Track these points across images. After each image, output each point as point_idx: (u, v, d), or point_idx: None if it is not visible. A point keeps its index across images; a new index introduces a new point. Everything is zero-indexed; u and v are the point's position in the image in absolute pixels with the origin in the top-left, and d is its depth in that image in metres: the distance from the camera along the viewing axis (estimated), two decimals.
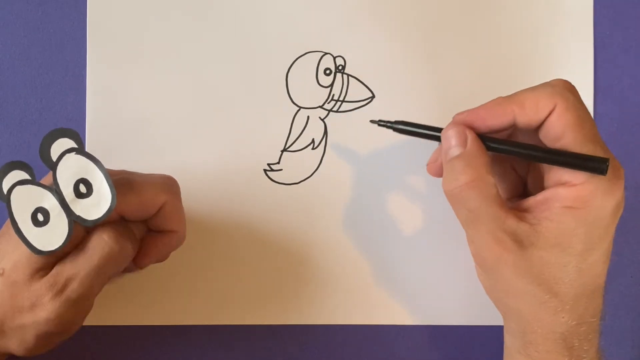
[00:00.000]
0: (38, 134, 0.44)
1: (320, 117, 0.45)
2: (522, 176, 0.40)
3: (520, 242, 0.34)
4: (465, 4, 0.45)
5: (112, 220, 0.36)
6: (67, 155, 0.34)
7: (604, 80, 0.46)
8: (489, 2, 0.45)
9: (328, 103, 0.45)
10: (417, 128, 0.38)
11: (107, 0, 0.44)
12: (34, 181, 0.34)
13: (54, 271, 0.35)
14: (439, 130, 0.37)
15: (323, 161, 0.45)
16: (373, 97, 0.45)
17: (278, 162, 0.45)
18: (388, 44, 0.45)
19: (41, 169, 0.35)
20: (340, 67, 0.45)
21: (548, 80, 0.36)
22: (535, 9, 0.46)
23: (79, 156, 0.34)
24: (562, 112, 0.33)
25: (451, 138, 0.36)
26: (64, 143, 0.34)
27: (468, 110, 0.36)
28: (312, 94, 0.45)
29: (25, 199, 0.34)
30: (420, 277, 0.45)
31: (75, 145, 0.34)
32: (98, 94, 0.44)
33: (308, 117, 0.45)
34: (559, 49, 0.45)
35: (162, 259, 0.39)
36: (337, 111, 0.45)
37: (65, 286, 0.35)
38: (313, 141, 0.45)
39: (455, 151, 0.35)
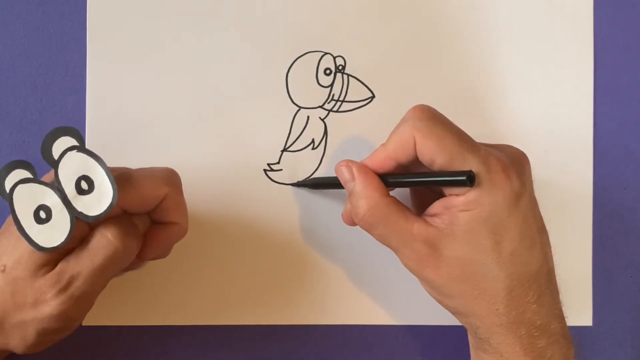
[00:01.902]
0: (38, 133, 0.44)
1: (320, 117, 0.45)
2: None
3: (434, 246, 0.37)
4: (465, 4, 0.45)
5: (115, 215, 0.37)
6: (69, 152, 0.35)
7: (604, 80, 0.46)
8: (489, 2, 0.45)
9: (328, 103, 0.45)
10: (322, 181, 0.44)
11: (107, 0, 0.44)
12: (35, 179, 0.35)
13: (58, 268, 0.35)
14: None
15: (323, 161, 0.45)
16: (373, 97, 0.45)
17: (278, 162, 0.45)
18: (388, 44, 0.45)
19: (42, 168, 0.35)
20: (340, 67, 0.45)
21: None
22: (535, 9, 0.46)
23: (80, 153, 0.35)
24: (422, 142, 0.36)
25: (342, 174, 0.39)
26: (66, 141, 0.35)
27: (357, 164, 0.39)
28: (312, 94, 0.45)
29: (28, 197, 0.34)
30: None
31: (76, 143, 0.35)
32: (98, 94, 0.44)
33: (308, 117, 0.45)
34: (559, 49, 0.45)
35: (164, 252, 0.39)
36: (337, 111, 0.45)
37: (69, 283, 0.35)
38: (313, 141, 0.45)
39: (349, 186, 0.39)
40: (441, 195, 0.38)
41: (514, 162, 0.37)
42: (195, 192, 0.44)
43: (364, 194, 0.38)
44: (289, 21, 0.45)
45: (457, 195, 0.36)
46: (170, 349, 0.44)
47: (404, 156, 0.37)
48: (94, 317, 0.43)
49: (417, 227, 0.37)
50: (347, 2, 0.45)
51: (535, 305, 0.37)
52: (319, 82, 0.45)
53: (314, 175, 0.45)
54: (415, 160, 0.37)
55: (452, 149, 0.36)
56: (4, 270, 0.35)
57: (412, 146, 0.37)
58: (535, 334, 0.37)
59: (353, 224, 0.40)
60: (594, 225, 0.46)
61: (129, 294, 0.44)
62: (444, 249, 0.36)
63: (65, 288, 0.35)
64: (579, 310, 0.46)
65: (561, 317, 0.38)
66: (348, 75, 0.45)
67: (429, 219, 0.37)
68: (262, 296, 0.44)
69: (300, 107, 0.45)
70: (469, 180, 0.34)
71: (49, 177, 0.36)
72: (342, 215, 0.41)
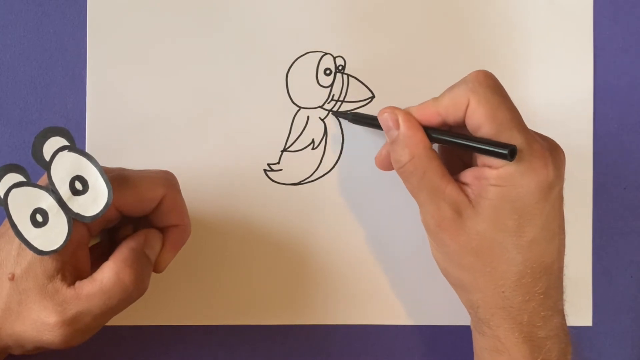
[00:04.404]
0: None
1: (320, 117, 0.45)
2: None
3: (459, 212, 0.37)
4: (465, 4, 0.45)
5: (114, 221, 0.37)
6: (60, 153, 0.34)
7: (604, 80, 0.46)
8: (489, 2, 0.45)
9: (328, 103, 0.45)
10: (368, 119, 0.42)
11: (107, 0, 0.44)
12: (29, 182, 0.34)
13: (68, 296, 0.34)
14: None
15: (323, 161, 0.45)
16: (373, 97, 0.45)
17: (278, 162, 0.45)
18: (388, 44, 0.45)
19: (38, 170, 0.35)
20: (340, 67, 0.45)
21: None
22: (535, 9, 0.46)
23: (71, 153, 0.34)
24: (475, 106, 0.36)
25: (386, 121, 0.39)
26: (56, 142, 0.34)
27: (402, 112, 0.39)
28: (312, 94, 0.45)
29: (23, 201, 0.34)
30: (420, 277, 0.45)
31: (67, 143, 0.34)
32: (98, 94, 0.44)
33: (308, 117, 0.45)
34: (559, 49, 0.45)
35: (171, 257, 0.39)
36: (337, 111, 0.45)
37: (77, 319, 0.34)
38: (313, 141, 0.45)
39: (392, 134, 0.38)
40: (468, 166, 0.38)
41: (554, 154, 0.37)
42: (195, 192, 0.44)
43: (408, 143, 0.38)
44: (289, 21, 0.45)
45: (490, 167, 0.36)
46: (171, 349, 0.44)
47: (452, 115, 0.37)
48: None
49: (450, 188, 0.37)
50: (347, 2, 0.45)
51: (542, 296, 0.37)
52: (319, 82, 0.45)
53: (314, 175, 0.45)
54: (461, 123, 0.37)
55: (502, 121, 0.35)
56: (12, 279, 0.34)
57: (464, 108, 0.36)
58: (538, 324, 0.37)
59: (386, 169, 0.41)
60: (593, 225, 0.46)
61: None
62: (468, 218, 0.36)
63: (71, 323, 0.34)
64: (578, 310, 0.46)
65: (563, 315, 0.38)
66: (348, 75, 0.45)
67: (461, 185, 0.37)
68: (262, 296, 0.44)
69: (300, 107, 0.45)
70: (510, 154, 0.34)
71: (43, 180, 0.35)
72: (375, 159, 0.41)
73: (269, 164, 0.45)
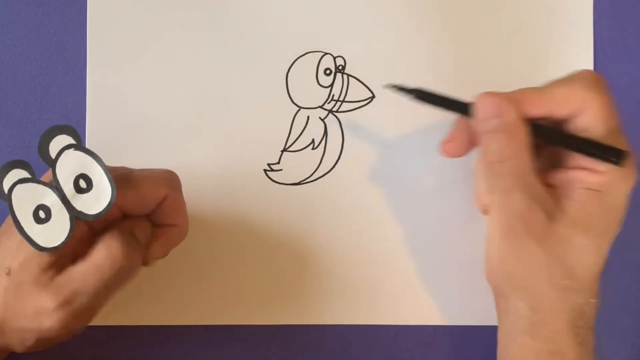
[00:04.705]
0: (38, 133, 0.43)
1: (320, 117, 0.45)
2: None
3: (550, 215, 0.35)
4: (465, 4, 0.45)
5: (116, 220, 0.36)
6: (66, 151, 0.34)
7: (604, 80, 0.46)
8: (488, 2, 0.45)
9: (328, 103, 0.45)
10: (439, 99, 0.38)
11: (107, 0, 0.44)
12: (34, 179, 0.34)
13: (61, 280, 0.34)
14: (463, 104, 0.37)
15: (323, 161, 0.45)
16: (373, 97, 0.45)
17: (278, 162, 0.45)
18: (388, 44, 0.45)
19: (41, 168, 0.35)
20: (340, 67, 0.45)
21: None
22: (535, 9, 0.46)
23: (77, 152, 0.34)
24: (592, 106, 0.35)
25: (489, 107, 0.36)
26: (62, 140, 0.34)
27: (505, 102, 0.35)
28: (312, 94, 0.45)
29: (27, 197, 0.34)
30: (420, 277, 0.45)
31: (73, 142, 0.35)
32: (98, 94, 0.44)
33: (308, 117, 0.45)
34: (559, 49, 0.45)
35: (164, 254, 0.39)
36: (337, 111, 0.45)
37: (72, 299, 0.34)
38: (313, 141, 0.45)
39: (494, 123, 0.35)
40: (554, 166, 0.37)
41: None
42: (195, 192, 0.44)
43: (512, 136, 0.35)
44: (289, 21, 0.45)
45: (591, 170, 0.34)
46: (171, 349, 0.44)
47: (561, 110, 0.35)
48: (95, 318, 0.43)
49: (542, 190, 0.35)
50: (347, 2, 0.45)
51: (594, 301, 0.36)
52: (319, 82, 0.45)
53: (314, 175, 0.45)
54: (562, 120, 0.36)
55: (612, 125, 0.35)
56: (9, 273, 0.35)
57: (575, 104, 0.35)
58: (589, 326, 0.37)
59: (455, 155, 0.39)
60: None
61: (129, 294, 0.44)
62: (556, 221, 0.35)
63: (68, 303, 0.34)
64: None
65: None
66: (348, 75, 0.45)
67: (547, 187, 0.36)
68: (262, 296, 0.44)
69: (300, 107, 0.45)
70: (618, 159, 0.33)
71: (47, 177, 0.36)
72: (443, 144, 0.39)
73: (269, 164, 0.45)
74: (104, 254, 0.35)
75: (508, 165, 0.35)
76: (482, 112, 0.36)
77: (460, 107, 0.37)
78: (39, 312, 0.34)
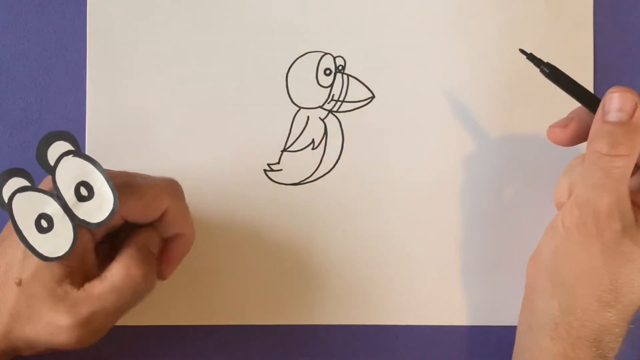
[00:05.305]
0: (38, 134, 0.44)
1: (320, 117, 0.45)
2: None
3: (625, 228, 0.34)
4: (465, 5, 0.45)
5: (118, 227, 0.36)
6: (65, 158, 0.34)
7: (604, 80, 0.46)
8: (488, 3, 0.45)
9: (328, 103, 0.45)
10: (569, 82, 0.38)
11: (107, 0, 0.44)
12: (34, 187, 0.34)
13: (79, 298, 0.34)
14: (590, 93, 0.37)
15: (323, 161, 0.45)
16: (373, 97, 0.45)
17: (278, 162, 0.45)
18: (388, 44, 0.45)
19: (40, 172, 0.35)
20: (340, 67, 0.45)
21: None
22: (535, 8, 0.46)
23: (76, 158, 0.34)
24: None
25: (626, 100, 0.35)
26: (61, 146, 0.34)
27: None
28: (312, 94, 0.45)
29: (27, 206, 0.33)
30: (420, 278, 0.45)
31: (71, 148, 0.34)
32: (98, 94, 0.44)
33: (308, 117, 0.45)
34: (559, 49, 0.45)
35: (177, 266, 0.39)
36: (337, 111, 0.45)
37: (91, 319, 0.34)
38: (313, 141, 0.45)
39: (621, 116, 0.34)
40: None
41: None
42: (195, 193, 0.44)
43: (632, 139, 0.34)
44: (289, 21, 0.45)
45: None
46: (171, 349, 0.44)
47: None
48: None
49: (630, 202, 0.35)
50: (347, 2, 0.45)
51: (627, 324, 0.37)
52: (319, 82, 0.45)
53: (314, 175, 0.45)
54: None
55: None
56: (19, 284, 0.34)
57: None
58: (612, 346, 0.37)
59: (563, 143, 0.38)
60: None
61: None
62: (624, 232, 0.34)
63: (86, 324, 0.34)
64: None
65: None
66: (348, 75, 0.45)
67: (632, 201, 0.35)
68: (262, 296, 0.44)
69: (300, 107, 0.45)
70: None
71: (46, 184, 0.35)
72: (552, 129, 0.38)
73: (269, 164, 0.45)
74: (124, 277, 0.34)
75: (616, 162, 0.34)
76: (617, 102, 0.35)
77: (586, 97, 0.37)
78: (55, 328, 0.34)
